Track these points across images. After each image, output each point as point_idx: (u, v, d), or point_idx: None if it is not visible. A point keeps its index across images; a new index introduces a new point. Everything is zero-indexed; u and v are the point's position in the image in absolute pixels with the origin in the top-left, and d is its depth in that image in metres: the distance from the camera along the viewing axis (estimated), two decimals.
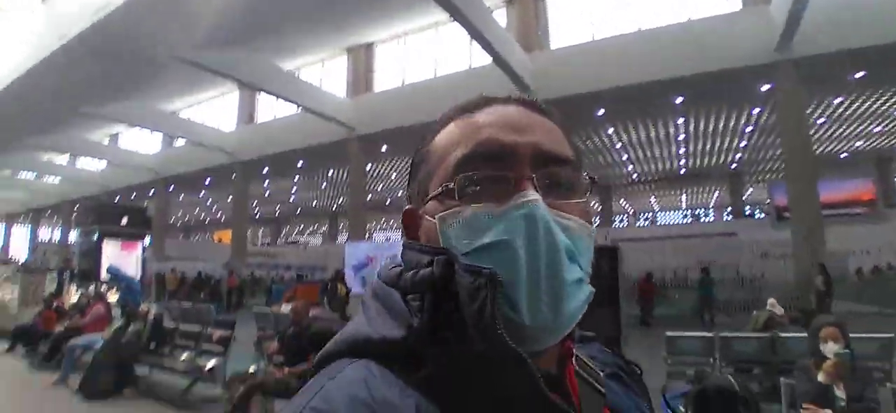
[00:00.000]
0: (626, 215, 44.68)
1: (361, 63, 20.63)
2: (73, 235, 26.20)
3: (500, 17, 17.52)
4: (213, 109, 26.18)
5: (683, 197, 38.28)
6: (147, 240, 19.97)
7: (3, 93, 16.94)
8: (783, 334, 5.16)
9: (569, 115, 10.85)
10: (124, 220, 17.07)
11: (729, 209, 33.21)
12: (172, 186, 29.50)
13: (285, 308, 8.65)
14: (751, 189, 32.83)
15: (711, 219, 38.90)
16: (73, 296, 11.08)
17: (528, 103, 0.59)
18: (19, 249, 41.47)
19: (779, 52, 13.30)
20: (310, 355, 4.60)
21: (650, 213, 44.77)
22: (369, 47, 20.73)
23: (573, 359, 0.59)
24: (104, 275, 13.65)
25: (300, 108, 18.12)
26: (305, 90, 17.84)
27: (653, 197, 37.47)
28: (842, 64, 13.78)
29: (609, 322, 6.46)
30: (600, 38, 16.34)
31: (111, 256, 15.18)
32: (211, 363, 6.05)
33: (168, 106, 24.38)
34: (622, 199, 37.88)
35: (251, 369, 5.61)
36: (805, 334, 4.09)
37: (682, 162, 26.33)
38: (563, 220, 0.51)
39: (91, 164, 31.59)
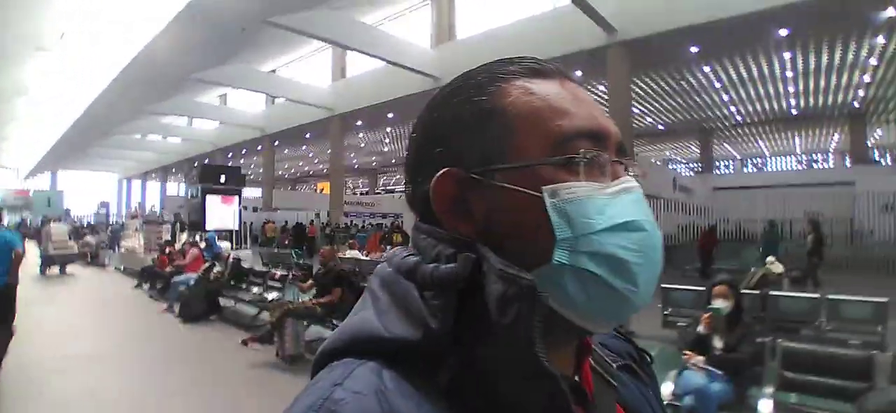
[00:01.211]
0: (731, 162, 41.86)
1: (444, 12, 20.70)
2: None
3: None
4: (310, 66, 27.43)
5: (798, 141, 35.08)
6: (243, 194, 22.17)
7: (129, 66, 18.99)
8: (773, 293, 5.43)
9: (659, 52, 10.49)
10: (223, 178, 19.00)
11: (849, 154, 30.10)
12: (277, 142, 31.58)
13: (349, 253, 10.15)
14: (879, 131, 29.46)
15: (831, 165, 35.57)
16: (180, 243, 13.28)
17: (582, 85, 0.57)
18: (154, 202, 46.78)
19: None
20: (333, 290, 6.26)
21: (760, 159, 41.59)
22: None
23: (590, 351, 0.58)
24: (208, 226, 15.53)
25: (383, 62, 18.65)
26: (387, 43, 18.23)
27: (761, 141, 34.66)
28: None
29: None
30: None
31: (213, 209, 17.11)
32: (271, 296, 7.65)
33: (267, 66, 26.01)
34: (726, 144, 35.43)
35: (288, 298, 7.01)
36: (801, 295, 4.82)
37: (794, 102, 24.10)
38: None
39: (205, 125, 34.41)
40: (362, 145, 34.51)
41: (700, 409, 3.55)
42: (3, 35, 15.94)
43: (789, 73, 19.86)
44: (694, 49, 16.51)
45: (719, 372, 3.68)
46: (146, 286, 11.52)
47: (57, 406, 4.78)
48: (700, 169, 32.62)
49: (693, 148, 34.25)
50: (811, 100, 23.59)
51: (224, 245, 11.99)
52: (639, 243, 0.48)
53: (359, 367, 0.45)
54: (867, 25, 14.72)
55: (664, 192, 18.81)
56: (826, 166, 35.11)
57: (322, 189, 42.96)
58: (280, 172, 46.78)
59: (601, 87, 18.14)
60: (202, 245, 11.37)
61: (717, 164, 42.05)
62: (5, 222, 6.84)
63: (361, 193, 45.32)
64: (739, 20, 13.82)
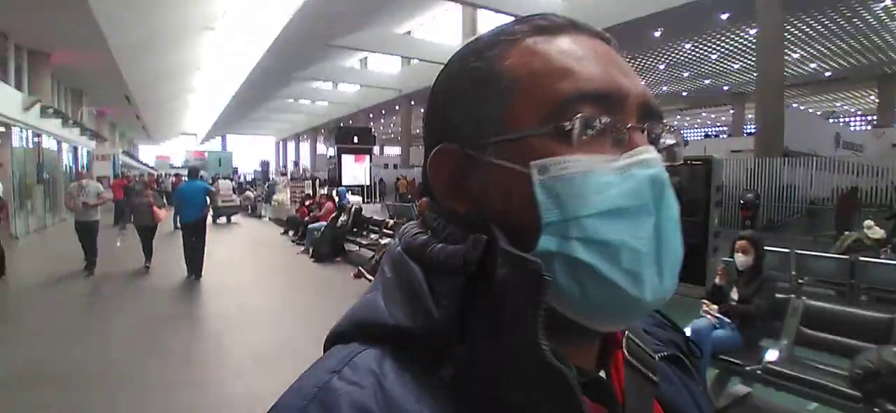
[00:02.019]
0: None
1: None
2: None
3: None
4: (443, 25, 27.90)
5: None
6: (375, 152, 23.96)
7: (279, 37, 20.86)
8: (863, 259, 5.06)
9: None
10: (355, 139, 20.84)
11: None
12: (413, 102, 32.85)
13: None
14: None
15: None
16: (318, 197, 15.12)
17: (610, 41, 0.49)
18: (306, 160, 51.55)
19: None
20: None
21: None
22: None
23: (624, 340, 0.51)
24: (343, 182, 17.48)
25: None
26: (519, 1, 18.01)
27: None
28: None
29: (698, 232, 6.42)
30: None
31: (347, 166, 18.91)
32: (385, 241, 8.61)
33: (403, 28, 26.96)
34: None
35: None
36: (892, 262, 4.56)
37: None
38: (672, 183, 0.45)
39: (348, 88, 36.67)
40: None
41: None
42: (178, 18, 18.28)
43: None
44: None
45: (728, 320, 3.81)
46: (290, 233, 13.62)
47: (220, 317, 6.71)
48: (876, 122, 28.24)
49: (871, 97, 29.71)
50: None
51: (354, 198, 13.33)
52: (644, 230, 0.41)
53: (361, 353, 0.43)
54: None
55: (821, 148, 16.76)
56: None
57: None
58: (417, 131, 48.68)
59: (752, 32, 16.35)
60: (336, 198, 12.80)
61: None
62: (202, 175, 10.36)
63: None
64: None
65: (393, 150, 41.03)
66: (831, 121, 30.41)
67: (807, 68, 24.24)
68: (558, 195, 0.41)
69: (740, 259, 4.00)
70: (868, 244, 6.01)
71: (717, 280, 4.14)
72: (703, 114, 40.51)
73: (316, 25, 19.13)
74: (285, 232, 14.19)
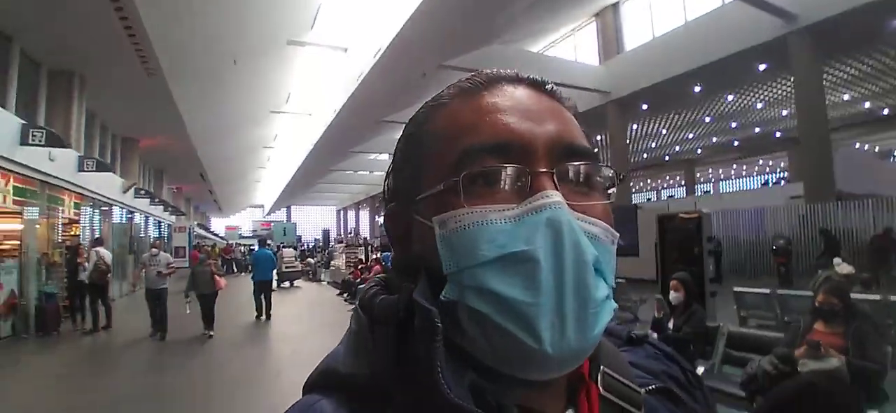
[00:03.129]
0: None
1: (610, 26, 20.83)
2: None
3: None
4: None
5: None
6: None
7: (337, 116, 22.72)
8: None
9: (849, 32, 9.75)
10: None
11: None
12: None
13: None
14: None
15: None
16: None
17: (540, 86, 0.51)
18: (365, 227, 53.65)
19: None
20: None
21: None
22: (615, 7, 20.78)
23: (599, 376, 0.49)
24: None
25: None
26: (556, 67, 19.02)
27: None
28: None
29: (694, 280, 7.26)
30: None
31: None
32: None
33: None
34: None
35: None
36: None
37: None
38: (587, 226, 0.44)
39: None
40: None
41: None
42: (249, 104, 20.45)
43: None
44: None
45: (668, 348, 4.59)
46: (344, 294, 15.18)
47: (281, 357, 8.46)
48: None
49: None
50: None
51: None
52: (531, 277, 0.40)
53: (319, 402, 0.44)
54: None
55: (880, 188, 16.41)
56: None
57: None
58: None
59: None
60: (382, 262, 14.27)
61: None
62: (269, 243, 13.21)
63: None
64: None
65: None
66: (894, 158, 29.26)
67: (861, 108, 23.83)
68: (454, 246, 0.43)
69: (673, 296, 4.81)
70: (838, 279, 6.50)
71: (655, 313, 5.00)
72: (761, 161, 39.71)
73: (370, 103, 20.78)
74: (340, 293, 15.65)
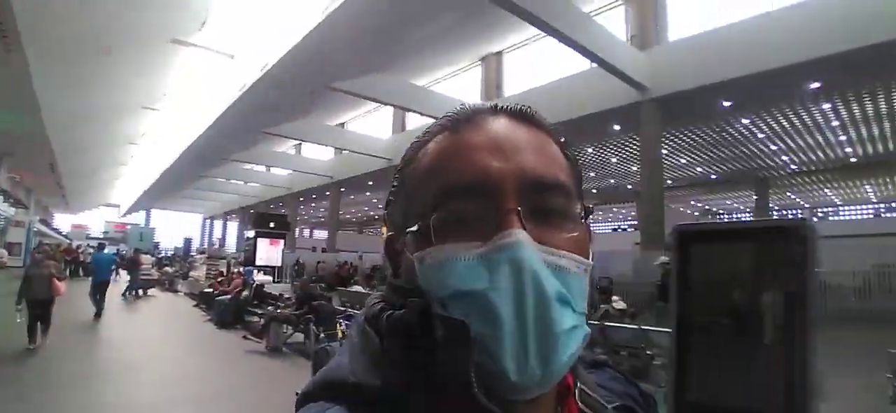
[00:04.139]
0: (798, 210, 40.68)
1: (493, 71, 22.39)
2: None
3: (618, 15, 18.24)
4: (376, 119, 29.67)
5: (869, 189, 33.93)
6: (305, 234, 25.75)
7: (215, 122, 21.94)
8: (609, 325, 7.17)
9: (690, 107, 11.52)
10: (271, 224, 23.18)
11: None
12: (343, 189, 34.08)
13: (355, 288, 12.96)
14: None
15: None
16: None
17: (519, 115, 0.54)
18: (232, 239, 51.14)
19: None
20: (304, 304, 9.26)
21: (831, 208, 40.25)
22: (499, 55, 22.39)
23: (576, 391, 0.55)
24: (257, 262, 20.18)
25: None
26: (440, 102, 19.99)
27: (827, 189, 33.79)
28: None
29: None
30: (718, 27, 15.73)
31: (262, 249, 21.13)
32: (278, 311, 10.07)
33: (337, 119, 28.61)
34: (789, 193, 34.73)
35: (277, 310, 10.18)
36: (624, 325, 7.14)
37: (850, 150, 23.84)
38: (553, 259, 0.47)
39: (281, 171, 37.60)
40: None
41: None
42: (119, 97, 19.10)
43: (834, 122, 19.96)
44: (727, 103, 17.18)
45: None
46: (202, 306, 15.21)
47: (132, 365, 8.11)
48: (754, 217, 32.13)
49: (753, 196, 33.86)
50: (870, 147, 23.27)
51: (260, 277, 15.11)
52: (489, 312, 0.44)
53: (328, 410, 0.46)
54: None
55: None
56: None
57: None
58: (348, 215, 49.70)
59: None
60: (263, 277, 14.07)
61: (785, 214, 41.11)
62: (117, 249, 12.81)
63: None
64: (766, 76, 14.48)
65: (323, 234, 41.78)
66: (717, 217, 34.29)
67: (694, 172, 27.60)
68: (429, 280, 0.47)
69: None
70: (614, 314, 7.89)
71: None
72: (614, 209, 44.08)
73: (254, 113, 20.37)
74: (197, 305, 15.58)
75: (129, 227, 54.77)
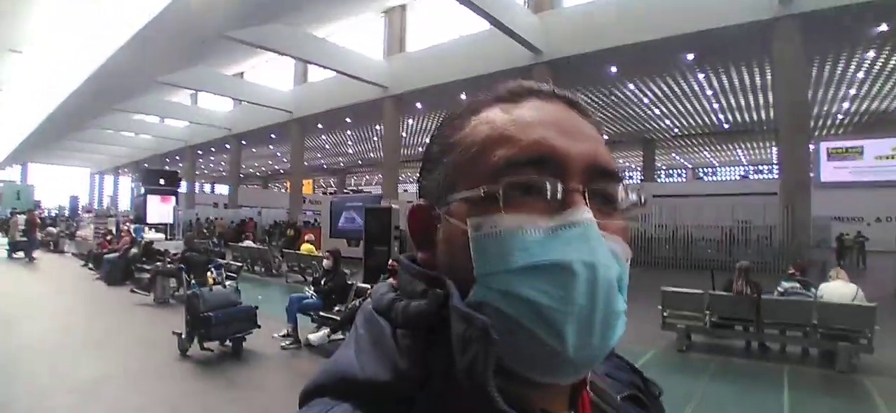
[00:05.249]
0: (684, 171, 44.34)
1: (397, 26, 22.31)
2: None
3: None
4: (276, 69, 28.46)
5: (740, 153, 37.48)
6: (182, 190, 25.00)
7: (100, 69, 20.35)
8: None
9: (580, 71, 12.24)
10: (162, 181, 22.38)
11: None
12: (244, 141, 32.90)
13: (304, 247, 12.76)
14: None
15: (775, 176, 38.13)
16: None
17: (575, 104, 0.53)
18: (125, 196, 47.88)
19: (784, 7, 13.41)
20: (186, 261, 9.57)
21: (710, 169, 44.13)
22: (403, 8, 22.31)
23: (588, 383, 0.55)
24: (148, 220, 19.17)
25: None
26: (341, 55, 19.79)
27: (706, 152, 36.98)
28: (856, 18, 13.62)
29: (384, 257, 9.46)
30: None
31: (153, 206, 20.43)
32: (168, 268, 10.02)
33: (235, 69, 27.36)
34: (675, 154, 37.65)
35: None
36: None
37: (722, 117, 26.20)
38: (613, 245, 0.46)
39: (177, 122, 35.52)
40: (327, 146, 35.97)
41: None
42: None
43: (708, 91, 21.86)
44: (613, 69, 18.33)
45: (316, 294, 7.00)
46: (89, 265, 14.51)
47: (13, 319, 7.85)
48: (642, 178, 34.63)
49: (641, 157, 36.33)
50: (739, 116, 25.70)
51: (154, 234, 14.82)
52: (564, 288, 0.42)
53: (333, 409, 0.45)
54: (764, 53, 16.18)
55: None
56: (764, 177, 37.56)
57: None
58: (251, 170, 48.02)
59: None
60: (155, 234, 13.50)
61: (671, 172, 44.64)
62: None
63: (330, 192, 46.72)
64: (649, 45, 15.64)
65: (224, 188, 40.28)
66: None
67: None
68: (488, 251, 0.44)
69: (325, 262, 7.23)
70: None
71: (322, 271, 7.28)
72: None
73: (141, 62, 19.12)
74: (85, 265, 14.81)
75: (2, 185, 49.55)
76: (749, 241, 17.43)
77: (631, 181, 35.39)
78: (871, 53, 17.36)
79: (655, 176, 36.75)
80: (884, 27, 14.66)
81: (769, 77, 18.81)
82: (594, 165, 0.48)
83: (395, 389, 0.44)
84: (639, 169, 37.29)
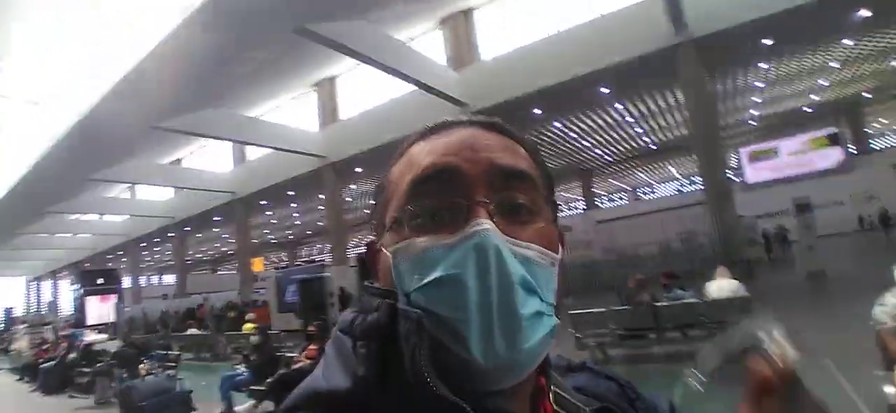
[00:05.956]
0: (624, 194, 46.12)
1: (327, 95, 22.89)
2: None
3: (436, 38, 19.77)
4: (214, 152, 28.37)
5: (672, 169, 39.43)
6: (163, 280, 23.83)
7: (27, 175, 19.99)
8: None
9: (508, 117, 12.86)
10: (100, 280, 21.73)
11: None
12: (187, 227, 32.37)
13: (246, 326, 12.67)
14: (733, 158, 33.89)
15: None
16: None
17: (489, 124, 0.56)
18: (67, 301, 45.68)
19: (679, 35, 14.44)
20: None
21: (648, 188, 46.06)
22: (332, 80, 22.93)
23: (550, 395, 0.56)
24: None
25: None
26: (275, 131, 20.21)
27: (641, 173, 38.77)
28: (745, 36, 14.87)
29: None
30: (524, 45, 17.69)
31: (92, 307, 20.01)
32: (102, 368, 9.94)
33: (172, 157, 27.26)
34: (612, 179, 39.26)
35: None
36: None
37: (648, 139, 27.70)
38: (520, 249, 0.48)
39: (116, 217, 34.82)
40: (274, 221, 35.81)
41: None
42: None
43: (629, 119, 23.27)
44: (537, 110, 19.28)
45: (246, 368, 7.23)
46: (25, 378, 13.97)
47: None
48: (585, 207, 35.78)
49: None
50: (663, 135, 27.30)
51: (95, 336, 14.75)
52: (456, 298, 0.45)
53: None
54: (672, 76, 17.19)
55: None
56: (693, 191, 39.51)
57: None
58: (198, 255, 46.92)
59: None
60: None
61: (612, 198, 46.33)
62: None
63: (281, 267, 45.91)
64: (566, 85, 16.59)
65: (171, 278, 39.11)
66: None
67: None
68: (403, 272, 0.49)
69: (252, 339, 7.87)
70: None
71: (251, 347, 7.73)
72: None
73: (73, 160, 18.91)
74: (20, 378, 14.29)
75: None
76: (690, 250, 18.28)
77: (576, 210, 37.32)
78: (764, 64, 19.02)
79: (598, 203, 38.22)
80: (770, 41, 16.16)
81: (681, 97, 20.24)
82: (492, 171, 0.51)
83: (355, 394, 0.47)
84: (581, 198, 38.60)
